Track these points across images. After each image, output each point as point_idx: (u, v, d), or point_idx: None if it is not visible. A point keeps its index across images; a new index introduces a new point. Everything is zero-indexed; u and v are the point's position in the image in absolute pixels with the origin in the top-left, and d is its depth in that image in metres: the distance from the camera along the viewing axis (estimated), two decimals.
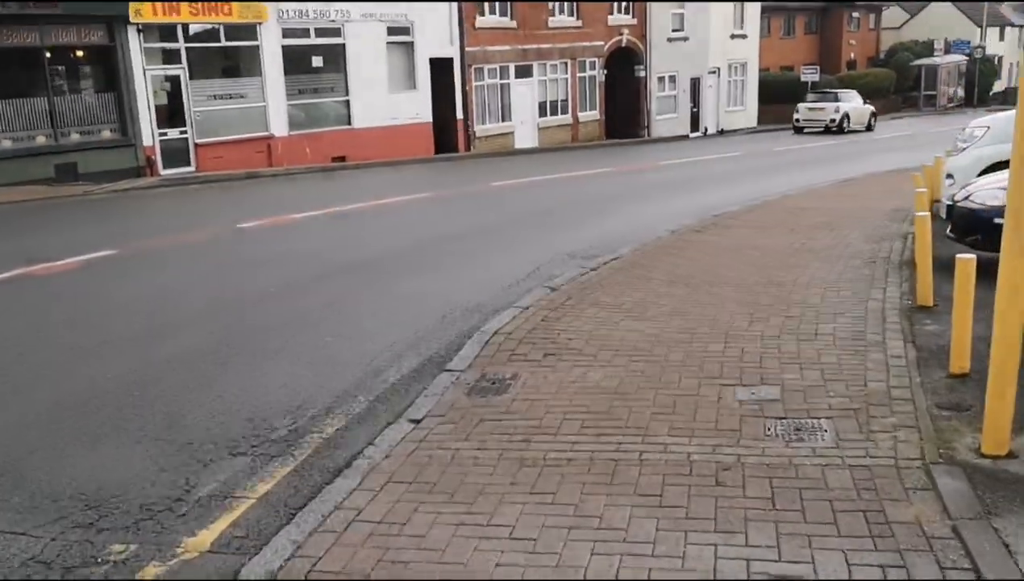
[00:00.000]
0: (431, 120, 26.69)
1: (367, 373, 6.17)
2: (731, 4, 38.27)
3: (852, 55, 55.44)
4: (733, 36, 38.79)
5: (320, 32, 23.66)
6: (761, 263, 9.20)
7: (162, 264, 10.57)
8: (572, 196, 16.46)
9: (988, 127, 11.43)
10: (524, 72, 29.59)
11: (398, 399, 5.68)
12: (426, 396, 5.59)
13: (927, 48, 56.28)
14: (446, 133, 27.35)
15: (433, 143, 26.80)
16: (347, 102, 24.55)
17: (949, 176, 11.69)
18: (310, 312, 7.83)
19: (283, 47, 22.73)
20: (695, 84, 36.91)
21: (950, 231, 8.75)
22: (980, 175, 11.26)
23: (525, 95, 29.76)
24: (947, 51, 55.52)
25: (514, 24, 28.83)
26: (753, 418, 4.98)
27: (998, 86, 63.62)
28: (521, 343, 6.53)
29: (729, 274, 8.69)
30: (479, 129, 28.20)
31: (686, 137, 36.15)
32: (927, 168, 12.76)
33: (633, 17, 33.54)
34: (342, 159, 24.29)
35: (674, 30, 35.28)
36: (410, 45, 25.96)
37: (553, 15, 30.45)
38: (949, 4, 64.29)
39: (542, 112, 30.55)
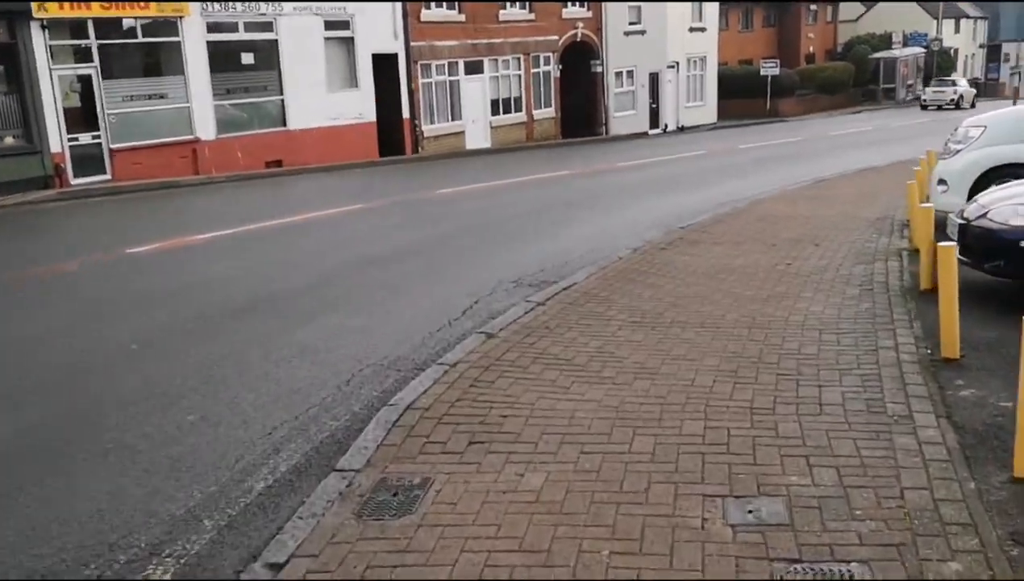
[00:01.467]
0: (375, 120, 25.03)
1: (229, 479, 4.57)
2: None
3: (811, 48, 54.65)
4: (691, 29, 37.57)
5: (250, 27, 21.88)
6: (740, 293, 7.74)
7: (12, 306, 8.85)
8: (523, 204, 14.93)
9: (985, 127, 10.11)
10: (474, 68, 28.02)
11: (260, 523, 4.10)
12: (300, 519, 4.02)
13: (884, 41, 55.73)
14: (392, 134, 25.70)
15: (377, 145, 25.13)
16: (282, 102, 22.80)
17: (941, 182, 10.38)
18: (175, 379, 6.15)
19: (208, 43, 20.92)
20: (654, 79, 35.62)
21: (962, 254, 7.35)
22: (978, 181, 9.98)
23: (476, 92, 28.19)
24: (905, 44, 54.95)
25: (462, 18, 27.24)
26: (754, 560, 3.49)
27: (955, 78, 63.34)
28: (440, 423, 4.98)
29: (703, 309, 7.21)
30: (427, 129, 26.58)
31: (645, 134, 34.85)
32: (919, 173, 11.43)
33: (588, 10, 32.12)
34: (278, 163, 22.55)
35: (631, 23, 33.93)
36: (350, 40, 24.25)
37: (504, 8, 28.92)
38: None
39: (495, 110, 29.01)
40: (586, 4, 32.05)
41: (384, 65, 25.11)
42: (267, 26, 22.25)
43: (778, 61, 43.57)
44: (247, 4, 21.53)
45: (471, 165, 22.87)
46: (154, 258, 10.70)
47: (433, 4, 26.59)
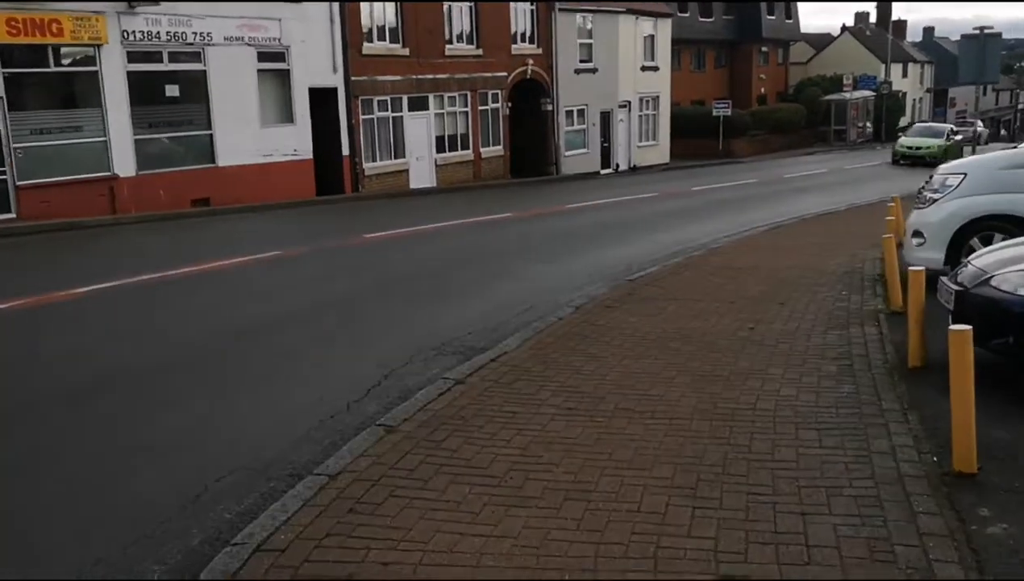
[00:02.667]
0: (312, 157, 23.66)
1: None
2: (640, 35, 36.44)
3: (762, 90, 54.67)
4: (644, 68, 36.95)
5: (176, 56, 20.47)
6: (697, 369, 6.53)
7: None
8: (459, 252, 13.68)
9: (964, 174, 9.12)
10: (419, 104, 26.86)
11: None
12: None
13: (835, 83, 55.96)
14: (330, 172, 24.34)
15: (315, 183, 23.76)
16: (210, 137, 21.33)
17: (917, 234, 9.35)
18: None
19: (129, 73, 19.45)
20: (605, 118, 34.83)
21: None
22: (957, 234, 8.97)
23: (420, 129, 27.01)
24: (855, 86, 55.24)
25: (406, 52, 26.12)
26: None
27: (903, 121, 63.99)
28: (297, 578, 3.64)
29: (654, 392, 5.98)
30: (368, 167, 25.28)
31: (597, 174, 33.96)
32: (890, 222, 10.39)
33: (538, 47, 31.26)
34: (206, 202, 21.05)
35: (582, 61, 33.15)
36: (286, 73, 22.94)
37: (451, 43, 27.88)
38: (854, 40, 64.63)
39: (440, 147, 27.84)
40: (536, 40, 31.20)
41: (322, 100, 23.83)
42: (195, 56, 20.86)
43: (730, 102, 43.22)
44: (172, 33, 20.15)
45: (411, 206, 21.62)
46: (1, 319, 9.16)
47: (376, 37, 25.45)
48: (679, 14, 45.33)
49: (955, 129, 38.95)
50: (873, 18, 69.24)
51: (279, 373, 7.04)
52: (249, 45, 21.89)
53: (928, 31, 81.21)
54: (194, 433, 5.65)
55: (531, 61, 30.88)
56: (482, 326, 8.54)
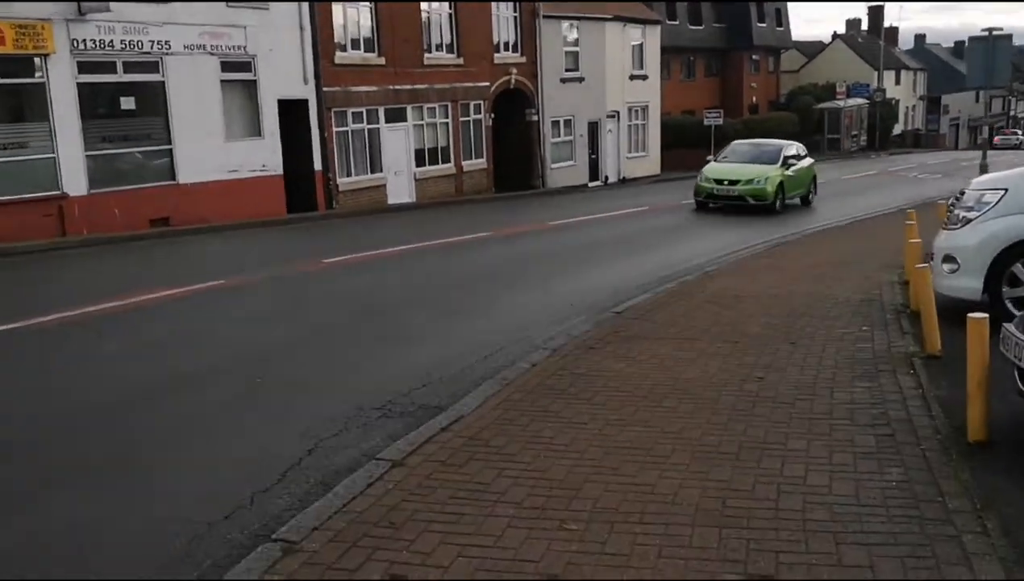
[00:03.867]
0: (282, 173, 22.32)
1: None
2: (628, 43, 35.25)
3: (754, 98, 53.60)
4: (632, 77, 35.75)
5: (131, 67, 19.11)
6: (697, 440, 5.19)
7: None
8: (428, 278, 12.33)
9: (1005, 190, 7.83)
10: (397, 116, 25.55)
11: None
12: None
13: (827, 91, 55.00)
14: (302, 188, 22.99)
15: (285, 200, 22.41)
16: (170, 152, 19.96)
17: (949, 259, 8.05)
18: None
19: (79, 84, 18.08)
20: (593, 129, 33.59)
21: None
22: (998, 259, 7.67)
23: (398, 142, 25.69)
24: (848, 94, 54.24)
25: (382, 61, 24.82)
26: None
27: (897, 129, 63.06)
28: None
29: (643, 479, 4.63)
30: (343, 182, 23.94)
31: (585, 186, 32.71)
32: (911, 245, 9.07)
33: (522, 55, 30.01)
34: (165, 222, 19.69)
35: (568, 70, 31.92)
36: (252, 84, 21.60)
37: (430, 51, 26.59)
38: (846, 47, 63.72)
39: (419, 161, 26.51)
40: (520, 49, 29.96)
41: (293, 112, 22.50)
42: (152, 66, 19.52)
43: (722, 111, 42.06)
44: (128, 41, 18.82)
45: (385, 225, 20.26)
46: None
47: (350, 46, 24.15)
48: (668, 21, 44.25)
49: (801, 153, 22.64)
50: (865, 25, 68.37)
51: (174, 451, 5.66)
52: (212, 54, 20.55)
53: (920, 38, 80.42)
54: (11, 560, 4.26)
55: (515, 70, 29.63)
56: (441, 375, 7.20)
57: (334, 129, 23.64)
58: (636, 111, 36.47)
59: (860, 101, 54.75)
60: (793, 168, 21.31)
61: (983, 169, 18.50)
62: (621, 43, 34.67)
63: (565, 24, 31.60)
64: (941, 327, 6.90)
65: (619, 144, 35.27)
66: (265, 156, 21.92)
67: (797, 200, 21.92)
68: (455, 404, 6.15)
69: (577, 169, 32.85)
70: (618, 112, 34.92)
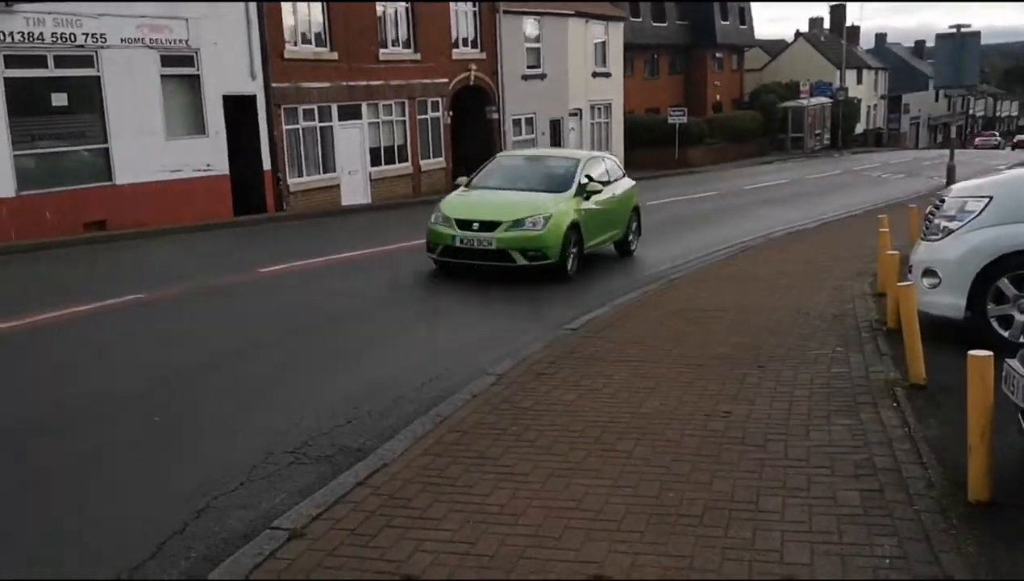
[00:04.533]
0: (228, 173, 21.29)
1: None
2: (590, 40, 34.55)
3: (717, 97, 53.20)
4: (595, 74, 35.08)
5: (63, 61, 17.99)
6: (655, 499, 4.43)
7: None
8: (370, 288, 11.46)
9: (989, 197, 7.18)
10: (351, 113, 24.60)
11: None
12: None
13: (791, 90, 54.76)
14: (250, 188, 21.98)
15: (231, 201, 21.39)
16: (106, 151, 18.87)
17: (929, 273, 7.39)
18: None
19: (7, 80, 16.95)
20: (555, 127, 32.87)
21: None
22: (982, 273, 7.02)
23: (353, 140, 24.75)
24: (811, 93, 54.06)
25: (335, 56, 23.86)
26: None
27: (859, 128, 63.12)
28: None
29: (588, 554, 3.86)
30: (294, 183, 22.95)
31: None
32: (885, 257, 8.39)
33: (482, 51, 29.19)
34: (101, 225, 18.61)
35: (529, 66, 31.15)
36: (195, 79, 20.55)
37: (385, 46, 25.67)
38: (809, 46, 63.65)
39: (375, 160, 25.58)
40: (479, 44, 29.12)
41: (239, 108, 21.48)
42: (86, 60, 18.42)
43: (686, 109, 41.60)
44: (59, 34, 17.71)
45: (335, 227, 19.35)
46: None
47: (300, 39, 23.16)
48: (631, 18, 43.66)
49: (613, 171, 14.29)
50: (827, 24, 68.40)
51: (12, 523, 4.79)
52: (151, 48, 19.49)
53: (880, 37, 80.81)
54: None
55: (474, 67, 28.79)
56: (371, 408, 6.39)
57: (284, 127, 22.66)
58: (599, 109, 35.81)
59: (823, 100, 54.63)
60: (598, 198, 12.68)
61: (951, 171, 18.02)
62: (584, 40, 33.98)
63: (526, 20, 30.83)
64: (923, 350, 6.22)
65: (582, 142, 34.56)
66: (210, 155, 20.88)
67: (610, 247, 13.90)
68: (379, 448, 5.34)
69: None
70: (581, 110, 34.24)
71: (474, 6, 28.87)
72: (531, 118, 31.55)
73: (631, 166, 37.54)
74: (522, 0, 30.21)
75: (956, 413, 5.52)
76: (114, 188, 18.97)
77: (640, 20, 46.38)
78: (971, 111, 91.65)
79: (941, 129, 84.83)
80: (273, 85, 22.12)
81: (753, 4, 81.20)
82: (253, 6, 21.42)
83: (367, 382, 7.06)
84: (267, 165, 22.28)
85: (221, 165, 21.14)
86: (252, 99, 21.85)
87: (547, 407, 6.04)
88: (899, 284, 6.35)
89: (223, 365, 7.67)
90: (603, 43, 35.65)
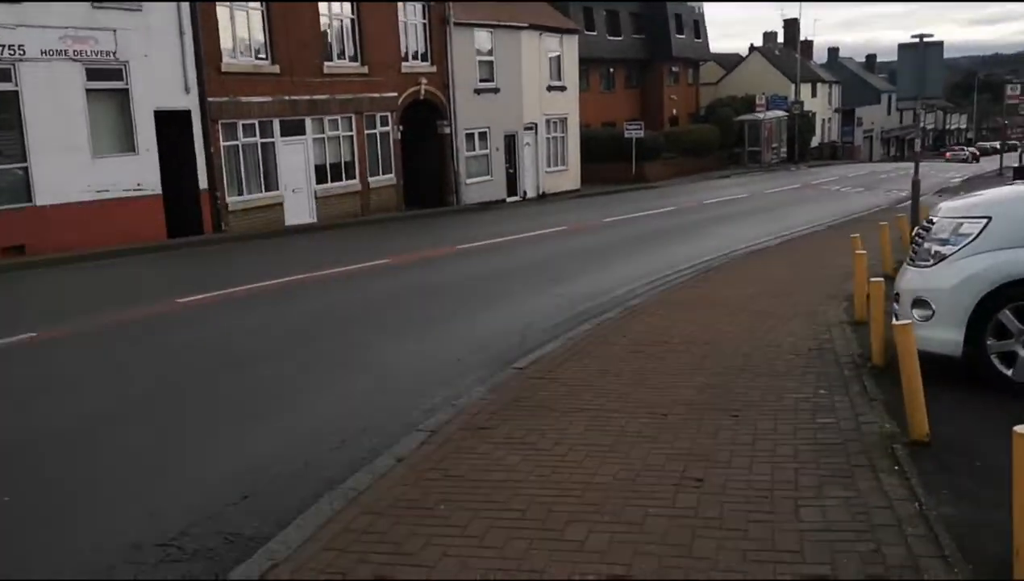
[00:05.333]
0: (161, 192, 20.06)
1: None
2: (545, 53, 33.79)
3: (674, 110, 52.84)
4: (550, 88, 34.29)
5: None
6: None
7: None
8: (297, 322, 10.39)
9: (988, 218, 6.33)
10: (294, 128, 23.47)
11: None
12: None
13: (747, 103, 54.59)
14: (186, 208, 20.75)
15: (165, 223, 20.14)
16: (25, 170, 17.61)
17: (920, 303, 6.53)
18: None
19: None
20: (510, 142, 31.99)
21: None
22: (981, 304, 6.18)
23: (296, 157, 23.60)
24: (768, 107, 53.93)
25: (276, 69, 22.73)
26: None
27: (814, 141, 63.21)
28: None
29: None
30: (233, 202, 21.75)
31: (503, 202, 31.07)
32: (860, 285, 7.51)
33: (432, 64, 28.23)
34: (20, 249, 17.29)
35: (482, 80, 30.26)
36: (124, 93, 19.33)
37: (330, 59, 24.60)
38: (763, 60, 63.71)
39: (321, 178, 24.44)
40: (429, 57, 28.16)
41: (173, 124, 20.28)
42: (3, 74, 17.15)
43: (642, 124, 41.03)
44: None
45: (274, 250, 18.22)
46: None
47: (239, 52, 22.01)
48: (587, 32, 43.08)
49: None
50: (781, 38, 68.64)
51: None
52: (75, 60, 18.25)
53: (833, 51, 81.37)
54: None
55: (425, 80, 27.82)
56: (275, 475, 5.36)
57: (222, 143, 21.48)
58: (554, 123, 35.01)
59: (779, 113, 54.55)
60: None
61: (916, 185, 17.37)
62: (538, 52, 33.19)
63: (478, 32, 29.95)
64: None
65: (538, 158, 33.74)
66: (140, 173, 19.66)
67: None
68: (272, 539, 4.30)
69: (494, 184, 31.18)
70: (536, 124, 33.41)
71: (423, 17, 27.93)
72: (485, 133, 30.64)
73: (587, 181, 37.05)
74: (473, 6, 29.34)
75: (970, 481, 4.66)
76: (34, 210, 17.70)
77: (595, 34, 45.83)
78: (922, 124, 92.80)
79: (894, 142, 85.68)
80: (210, 99, 20.95)
81: (707, 17, 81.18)
82: (187, 15, 20.24)
83: (276, 441, 6.02)
84: (204, 183, 21.08)
85: (153, 184, 19.92)
86: (187, 114, 20.66)
87: (484, 474, 5.04)
88: (896, 322, 5.42)
89: (98, 428, 6.52)
90: (558, 56, 34.90)
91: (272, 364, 8.21)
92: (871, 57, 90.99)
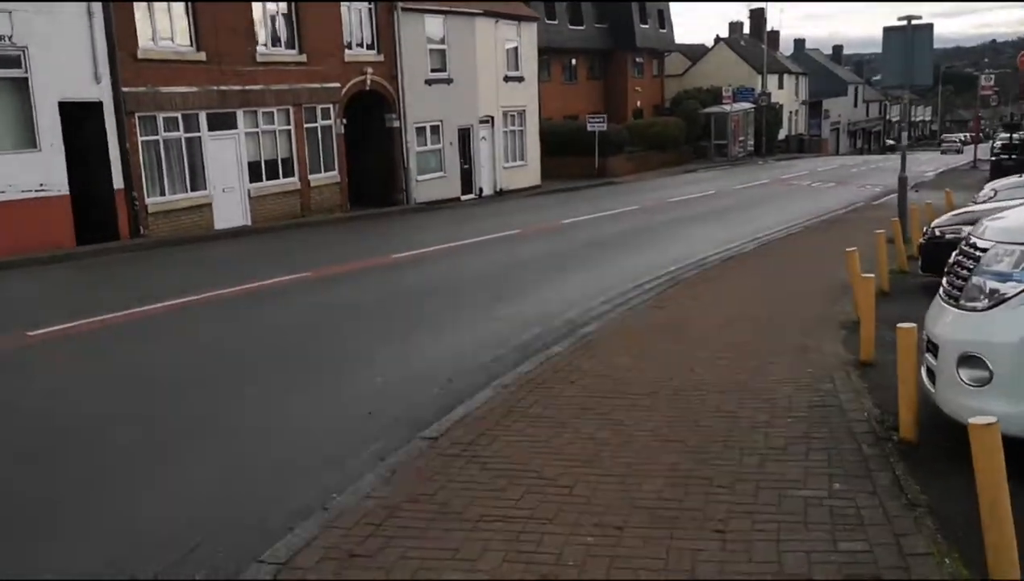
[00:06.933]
0: (69, 193, 17.92)
1: None
2: (501, 41, 31.90)
3: (638, 103, 51.19)
4: (507, 79, 32.40)
5: None
6: None
7: None
8: (192, 356, 8.46)
9: None
10: (223, 122, 21.38)
11: None
12: None
13: (712, 95, 53.10)
14: (98, 211, 18.64)
15: (74, 227, 18.01)
16: None
17: (972, 363, 4.81)
18: None
19: None
20: (465, 136, 30.08)
21: None
22: None
23: (227, 153, 21.53)
24: (735, 99, 52.47)
25: (202, 56, 20.62)
26: None
27: (781, 134, 61.95)
28: None
29: None
30: (154, 203, 19.66)
31: (457, 200, 29.19)
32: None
33: (379, 53, 26.22)
34: None
35: (433, 70, 28.30)
36: (22, 82, 17.16)
37: (264, 46, 22.53)
38: (729, 50, 62.31)
39: (255, 176, 22.37)
40: (376, 45, 26.14)
41: (81, 117, 18.14)
42: None
43: (606, 116, 39.28)
44: None
45: (190, 260, 16.18)
46: None
47: (158, 37, 19.87)
48: (547, 20, 41.26)
49: None
50: (747, 28, 67.29)
51: None
52: None
53: (799, 43, 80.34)
54: None
55: (370, 70, 25.80)
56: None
57: (139, 138, 19.37)
58: (513, 116, 33.12)
59: (746, 105, 53.12)
60: None
61: (903, 182, 15.78)
62: (494, 41, 31.29)
63: (428, 19, 27.96)
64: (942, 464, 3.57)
65: (495, 153, 31.86)
66: (43, 172, 17.51)
67: None
68: None
69: (448, 181, 29.27)
70: (492, 117, 31.52)
71: (369, 3, 25.90)
72: (437, 126, 28.69)
73: (549, 177, 35.19)
74: None
75: None
76: None
77: (556, 22, 43.99)
78: (887, 116, 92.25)
79: (861, 134, 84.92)
80: (124, 89, 18.81)
81: (672, 6, 79.43)
82: None
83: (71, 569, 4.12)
84: (119, 183, 18.96)
85: (59, 184, 17.77)
86: (98, 106, 18.51)
87: None
88: (972, 421, 3.61)
89: None
90: (515, 46, 33.00)
91: (121, 430, 6.28)
92: (838, 48, 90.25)
